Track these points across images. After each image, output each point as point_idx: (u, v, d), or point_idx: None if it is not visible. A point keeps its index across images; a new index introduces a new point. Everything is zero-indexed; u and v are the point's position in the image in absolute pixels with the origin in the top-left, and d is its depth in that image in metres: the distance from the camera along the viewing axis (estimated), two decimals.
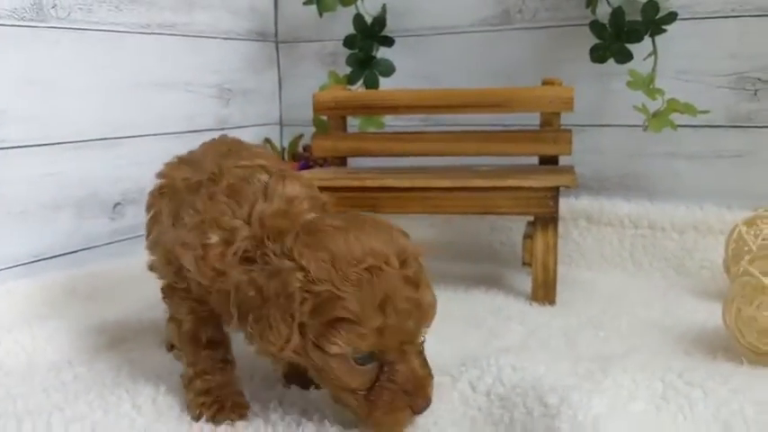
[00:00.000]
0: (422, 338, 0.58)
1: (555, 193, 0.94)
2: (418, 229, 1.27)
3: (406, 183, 0.97)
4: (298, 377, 0.68)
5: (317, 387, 0.66)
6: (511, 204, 0.96)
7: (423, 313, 0.56)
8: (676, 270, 1.09)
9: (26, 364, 0.78)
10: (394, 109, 1.14)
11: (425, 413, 0.58)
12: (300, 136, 1.39)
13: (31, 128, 0.99)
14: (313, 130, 1.28)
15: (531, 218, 1.11)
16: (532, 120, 1.11)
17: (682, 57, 1.08)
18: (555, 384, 0.63)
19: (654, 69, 1.03)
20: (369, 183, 0.98)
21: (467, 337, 0.84)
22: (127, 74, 1.12)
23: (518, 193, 0.94)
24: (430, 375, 0.58)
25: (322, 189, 0.97)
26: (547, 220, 0.96)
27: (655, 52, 1.04)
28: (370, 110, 1.15)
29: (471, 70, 1.26)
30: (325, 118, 1.21)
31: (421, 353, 0.58)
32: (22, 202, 0.98)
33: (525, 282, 1.08)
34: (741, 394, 0.63)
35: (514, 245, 1.21)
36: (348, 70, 1.27)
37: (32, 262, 0.99)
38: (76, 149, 1.05)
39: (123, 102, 1.11)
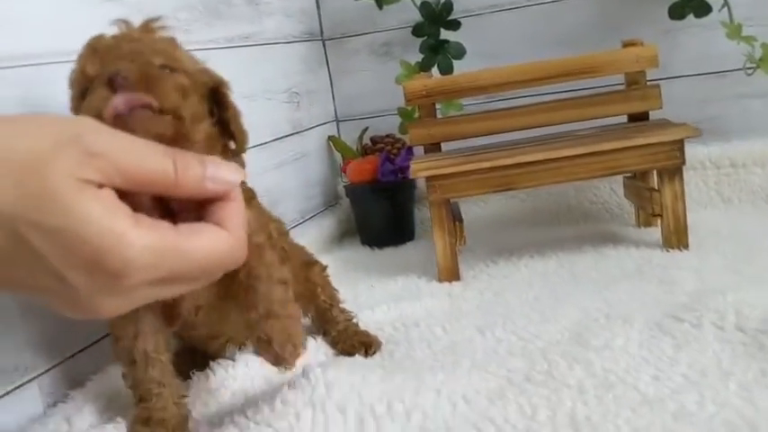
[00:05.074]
0: None
1: (681, 144, 1.01)
2: (502, 203, 1.33)
3: (540, 156, 1.01)
4: None
5: None
6: (639, 161, 1.01)
7: None
8: (766, 200, 1.19)
9: None
10: (483, 89, 1.17)
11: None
12: (365, 129, 1.40)
13: None
14: (358, 122, 1.31)
15: (630, 174, 1.19)
16: (593, 84, 1.17)
17: (742, 5, 1.17)
18: None
19: (732, 19, 1.11)
20: (502, 161, 1.02)
21: (645, 288, 0.90)
22: None
23: (646, 149, 1.01)
24: None
25: (453, 175, 1.02)
26: (673, 172, 1.02)
27: (727, 3, 1.11)
28: (461, 93, 1.18)
29: (533, 44, 1.32)
30: (408, 108, 1.24)
31: None
32: None
33: (641, 233, 1.15)
34: None
35: (605, 201, 1.28)
36: (406, 57, 1.31)
37: None
38: None
39: None
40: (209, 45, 1.07)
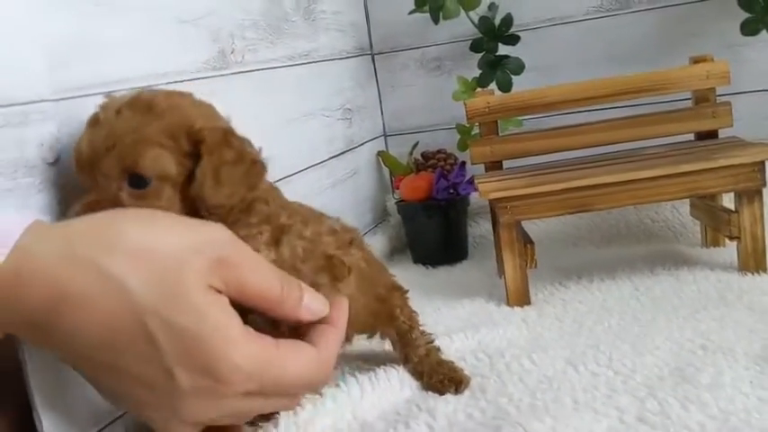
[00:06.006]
0: None
1: (762, 166, 0.98)
2: (558, 219, 1.30)
3: (620, 177, 0.98)
4: None
5: None
6: (719, 183, 0.99)
7: None
8: None
9: None
10: (548, 106, 1.15)
11: None
12: (416, 144, 1.37)
13: None
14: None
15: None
16: (650, 101, 1.15)
17: None
18: None
19: None
20: (579, 182, 0.99)
21: (734, 315, 0.87)
22: (280, 109, 1.08)
23: (727, 171, 0.98)
24: None
25: (526, 196, 0.99)
26: (752, 193, 0.99)
27: None
28: (524, 111, 1.16)
29: (588, 58, 1.29)
30: (467, 125, 1.21)
31: None
32: None
33: (711, 254, 1.12)
34: None
35: (666, 219, 1.25)
36: (458, 72, 1.28)
37: None
38: None
39: (281, 138, 1.08)
40: (272, 64, 1.04)
